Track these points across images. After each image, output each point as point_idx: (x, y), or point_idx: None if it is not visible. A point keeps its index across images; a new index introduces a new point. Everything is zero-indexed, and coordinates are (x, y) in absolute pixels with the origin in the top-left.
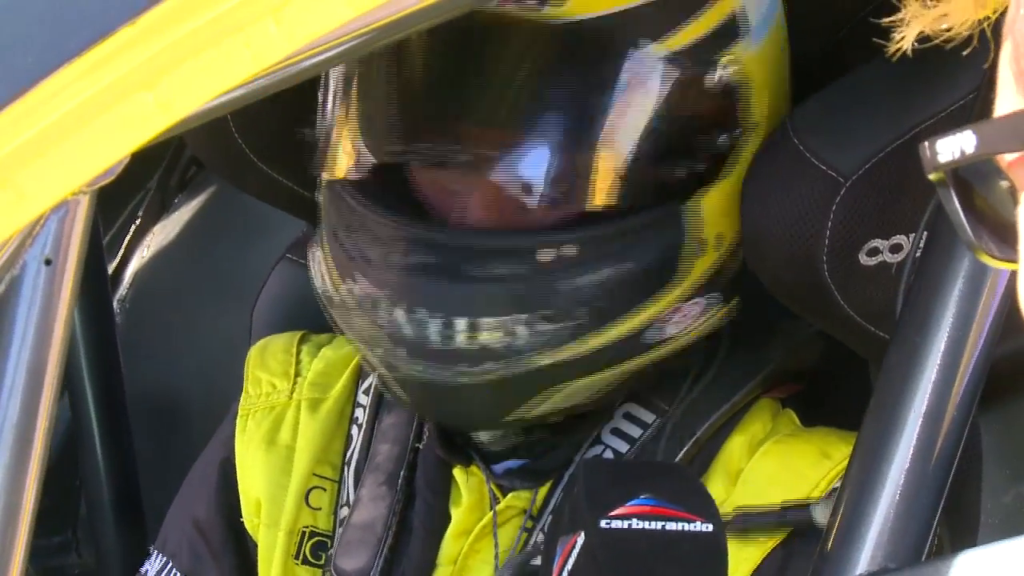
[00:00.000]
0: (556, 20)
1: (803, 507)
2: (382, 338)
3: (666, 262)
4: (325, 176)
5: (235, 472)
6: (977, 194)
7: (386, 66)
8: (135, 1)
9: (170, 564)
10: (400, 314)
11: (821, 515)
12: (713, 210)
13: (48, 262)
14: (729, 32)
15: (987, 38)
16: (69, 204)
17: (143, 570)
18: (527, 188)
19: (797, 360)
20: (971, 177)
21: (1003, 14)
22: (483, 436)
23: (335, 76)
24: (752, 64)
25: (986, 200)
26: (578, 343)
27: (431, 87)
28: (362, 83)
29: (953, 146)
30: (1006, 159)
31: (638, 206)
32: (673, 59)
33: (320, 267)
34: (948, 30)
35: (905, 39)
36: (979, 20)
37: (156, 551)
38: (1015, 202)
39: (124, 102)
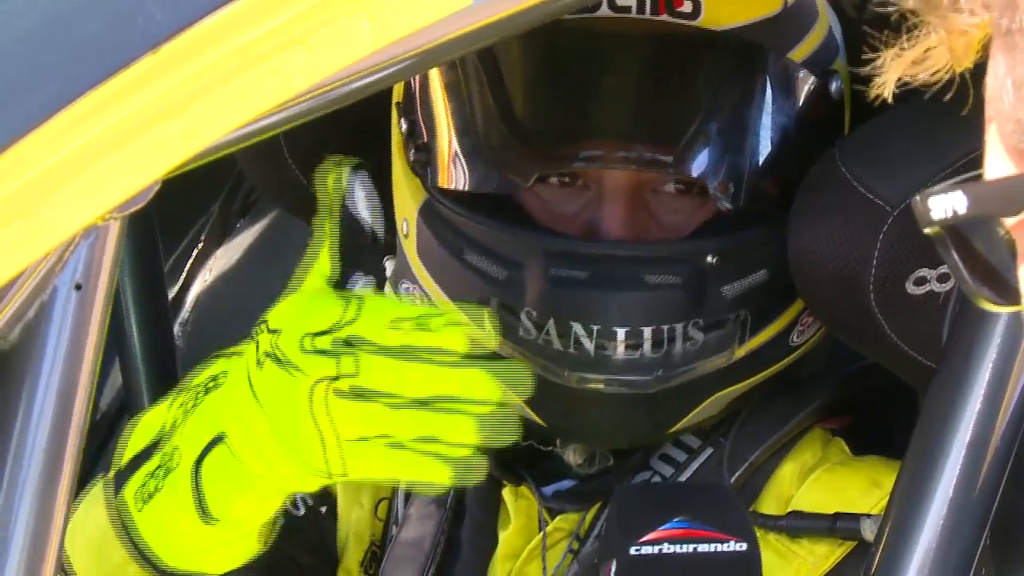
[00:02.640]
0: (711, 29)
1: (854, 518)
2: (558, 357)
3: None
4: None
5: None
6: (976, 246)
7: (549, 72)
8: (156, 31)
9: None
10: (579, 328)
11: (870, 531)
12: None
13: (79, 287)
14: (833, 46)
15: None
16: (99, 230)
17: None
18: (724, 187)
19: (849, 392)
20: (968, 231)
21: (983, 63)
22: (575, 458)
23: (463, 90)
24: (845, 77)
25: (984, 253)
26: (744, 346)
27: (608, 95)
28: (528, 93)
29: (945, 204)
30: (1008, 221)
31: (777, 214)
32: (805, 68)
33: (435, 295)
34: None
35: (885, 86)
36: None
37: None
38: (1015, 259)
39: (149, 130)
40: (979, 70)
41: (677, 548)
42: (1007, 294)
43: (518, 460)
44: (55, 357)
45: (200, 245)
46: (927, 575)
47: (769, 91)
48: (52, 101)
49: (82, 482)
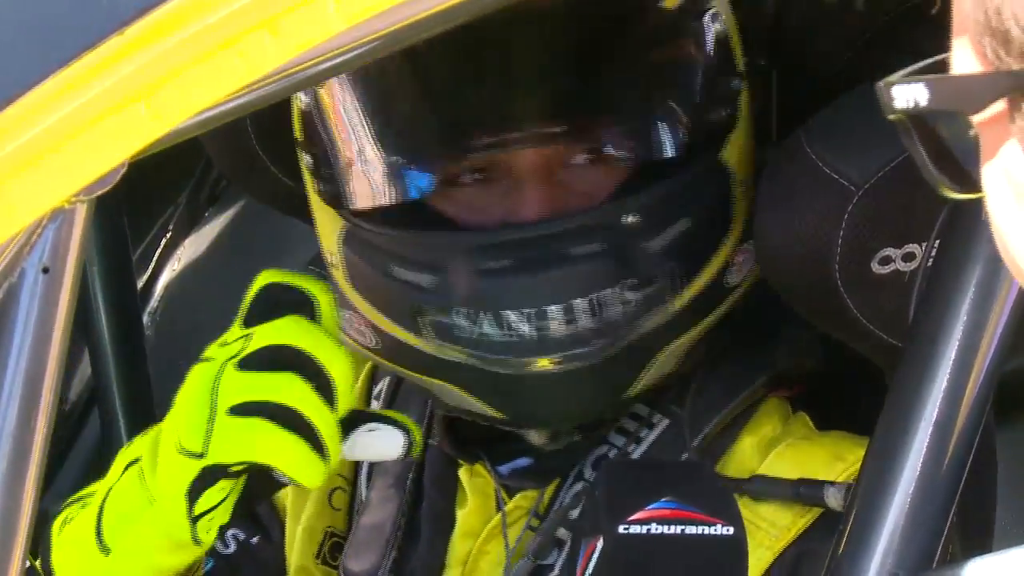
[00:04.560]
0: None
1: (818, 484)
2: (500, 348)
3: (724, 206)
4: (361, 205)
5: None
6: (940, 134)
7: (429, 71)
8: (122, 12)
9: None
10: (513, 315)
11: (833, 498)
12: (737, 157)
13: (46, 270)
14: None
15: None
16: (66, 213)
17: None
18: (622, 149)
19: (800, 362)
20: (932, 120)
21: None
22: (538, 438)
23: (353, 100)
24: (727, 15)
25: (947, 142)
26: (679, 297)
27: (490, 83)
28: (399, 97)
29: (908, 95)
30: (975, 117)
31: (687, 160)
32: (683, 12)
33: (372, 316)
34: None
35: None
36: None
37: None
38: (978, 152)
39: (117, 112)
40: None
41: (665, 529)
42: (967, 183)
43: (473, 439)
44: (23, 340)
45: (168, 235)
46: (895, 552)
47: (647, 42)
48: (17, 83)
49: (50, 474)
